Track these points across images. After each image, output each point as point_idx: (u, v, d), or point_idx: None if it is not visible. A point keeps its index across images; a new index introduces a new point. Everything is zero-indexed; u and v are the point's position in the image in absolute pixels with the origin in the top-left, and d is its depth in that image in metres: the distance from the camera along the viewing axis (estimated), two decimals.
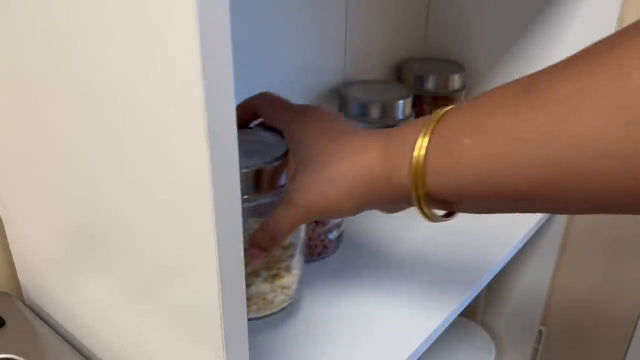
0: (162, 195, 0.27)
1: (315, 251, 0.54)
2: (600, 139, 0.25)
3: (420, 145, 0.32)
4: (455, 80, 0.71)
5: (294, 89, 0.61)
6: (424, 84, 0.71)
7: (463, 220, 0.61)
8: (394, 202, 0.35)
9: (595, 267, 0.75)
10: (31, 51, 0.31)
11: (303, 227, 0.43)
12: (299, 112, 0.39)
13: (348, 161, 0.35)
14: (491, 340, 0.85)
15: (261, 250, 0.38)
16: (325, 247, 0.54)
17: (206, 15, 0.20)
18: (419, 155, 0.32)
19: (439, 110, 0.32)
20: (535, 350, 0.85)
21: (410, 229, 0.60)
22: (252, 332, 0.30)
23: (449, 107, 0.32)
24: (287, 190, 0.37)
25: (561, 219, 0.73)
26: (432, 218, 0.34)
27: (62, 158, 0.33)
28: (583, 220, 0.74)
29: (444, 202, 0.33)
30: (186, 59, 0.21)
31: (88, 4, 0.25)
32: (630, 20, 0.62)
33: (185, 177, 0.25)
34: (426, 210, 0.34)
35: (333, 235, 0.54)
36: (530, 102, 0.27)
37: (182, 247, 0.28)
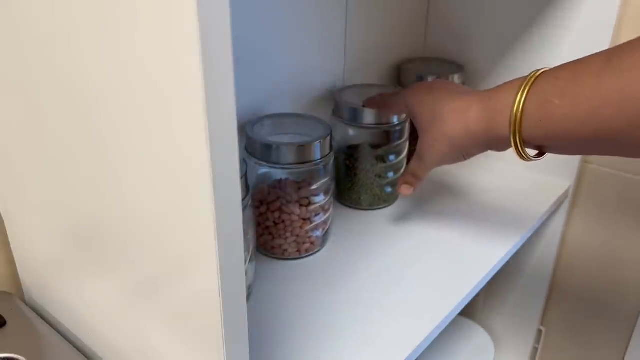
0: (163, 196, 0.27)
1: (303, 248, 0.54)
2: None
3: (519, 103, 0.41)
4: (455, 80, 0.71)
5: (294, 89, 0.62)
6: None
7: (461, 219, 0.62)
8: (493, 149, 0.46)
9: (594, 267, 0.75)
10: (32, 51, 0.31)
11: (251, 233, 0.49)
12: (416, 89, 0.53)
13: (452, 124, 0.47)
14: (491, 339, 0.85)
15: (415, 179, 0.54)
16: (312, 243, 0.55)
17: (207, 16, 0.21)
18: (517, 111, 0.41)
19: (531, 73, 0.41)
20: (535, 349, 0.85)
21: (408, 228, 0.60)
22: None
23: (541, 70, 0.41)
24: (419, 146, 0.51)
25: (560, 219, 0.73)
26: (527, 159, 0.44)
27: (63, 158, 0.33)
28: (582, 221, 0.74)
29: (537, 147, 0.43)
30: (187, 59, 0.22)
31: (89, 5, 0.25)
32: (629, 20, 0.62)
33: (186, 177, 0.25)
34: (523, 153, 0.43)
35: (319, 232, 0.55)
36: (611, 69, 0.35)
37: (182, 247, 0.28)
